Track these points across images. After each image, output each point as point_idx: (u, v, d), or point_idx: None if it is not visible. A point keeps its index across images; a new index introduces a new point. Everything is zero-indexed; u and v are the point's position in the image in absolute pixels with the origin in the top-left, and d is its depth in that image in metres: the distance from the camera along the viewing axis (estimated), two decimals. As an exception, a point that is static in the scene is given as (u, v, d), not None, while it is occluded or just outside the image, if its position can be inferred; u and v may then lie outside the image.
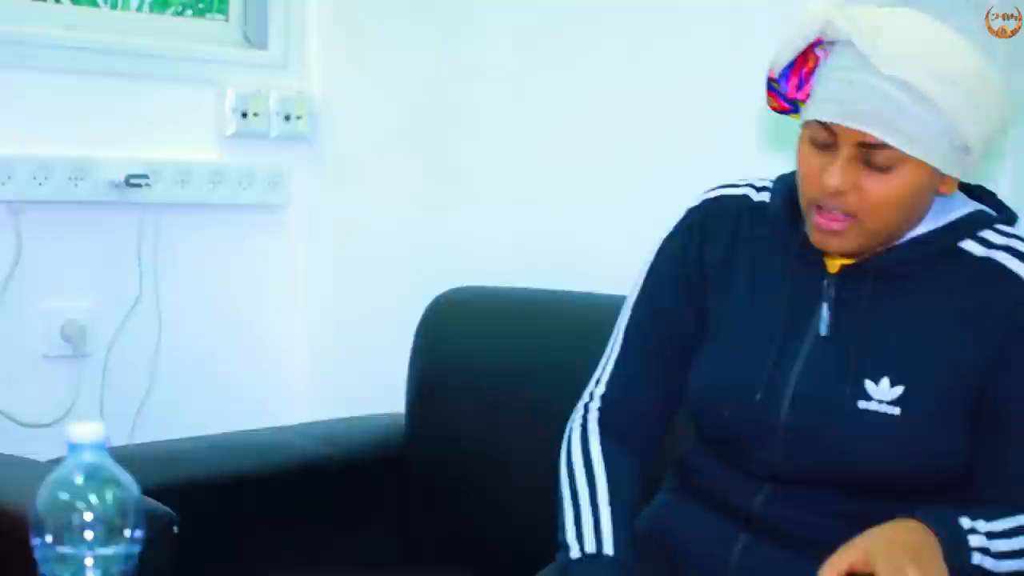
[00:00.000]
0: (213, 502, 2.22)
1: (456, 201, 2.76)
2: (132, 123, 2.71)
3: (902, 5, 1.41)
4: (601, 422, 1.67)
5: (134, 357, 2.71)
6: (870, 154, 1.43)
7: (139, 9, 2.82)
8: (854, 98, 1.41)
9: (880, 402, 1.47)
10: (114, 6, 2.78)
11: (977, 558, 1.39)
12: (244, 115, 2.81)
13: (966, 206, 1.54)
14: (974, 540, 1.39)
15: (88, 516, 1.21)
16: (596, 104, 2.54)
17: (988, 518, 1.42)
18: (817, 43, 1.47)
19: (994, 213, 1.55)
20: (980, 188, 1.60)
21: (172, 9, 2.87)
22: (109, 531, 1.22)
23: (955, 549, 1.38)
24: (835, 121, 1.43)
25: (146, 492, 1.33)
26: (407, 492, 2.46)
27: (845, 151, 1.43)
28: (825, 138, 1.45)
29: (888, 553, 1.34)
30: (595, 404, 1.68)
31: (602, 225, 2.50)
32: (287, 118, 2.87)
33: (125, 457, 1.48)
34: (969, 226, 1.51)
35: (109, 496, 1.23)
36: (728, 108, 2.33)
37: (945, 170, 1.45)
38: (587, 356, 1.81)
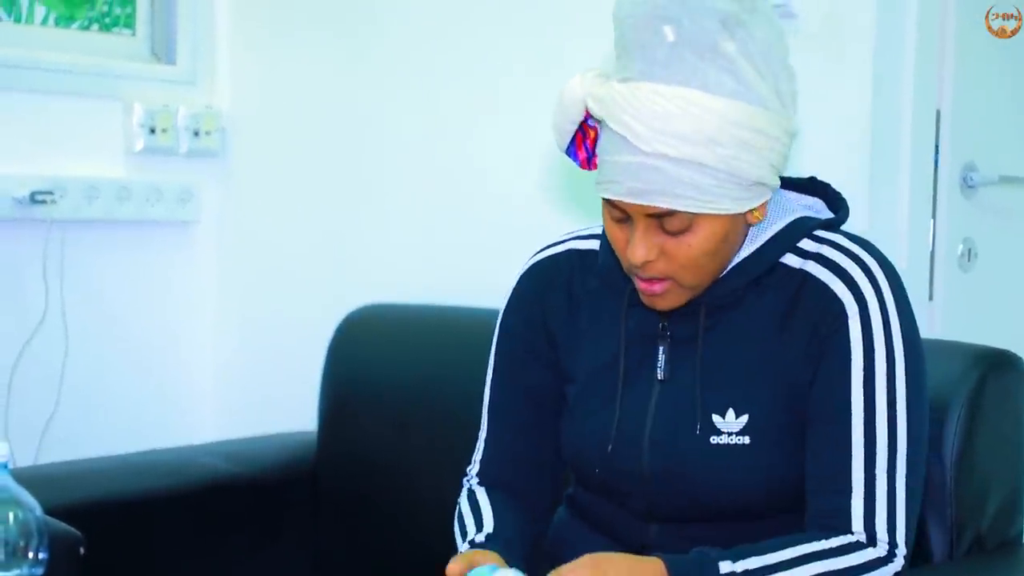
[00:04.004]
0: (122, 522, 2.20)
1: (367, 218, 2.76)
2: (37, 139, 2.68)
3: (643, 78, 1.40)
4: (483, 482, 1.68)
5: (39, 376, 2.67)
6: (663, 222, 1.44)
7: (44, 23, 2.79)
8: (626, 176, 1.42)
9: (730, 434, 1.50)
10: (18, 20, 2.75)
11: None
12: (152, 131, 2.79)
13: (787, 214, 1.54)
14: None
15: (-11, 538, 1.20)
16: (505, 121, 2.55)
17: (763, 551, 1.43)
18: (589, 116, 1.48)
19: (818, 216, 1.56)
20: (812, 181, 1.61)
21: (78, 23, 2.84)
22: (12, 553, 1.21)
23: None
24: (617, 199, 1.44)
25: (53, 513, 1.32)
26: (318, 510, 2.45)
27: (640, 224, 1.45)
28: (619, 214, 1.47)
29: None
30: (475, 479, 1.69)
31: (513, 242, 2.50)
32: (196, 134, 2.86)
33: (30, 478, 1.47)
34: (787, 239, 1.52)
35: (11, 518, 1.22)
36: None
37: (743, 209, 1.45)
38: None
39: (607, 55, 1.48)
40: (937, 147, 2.36)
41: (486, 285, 2.44)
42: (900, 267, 2.25)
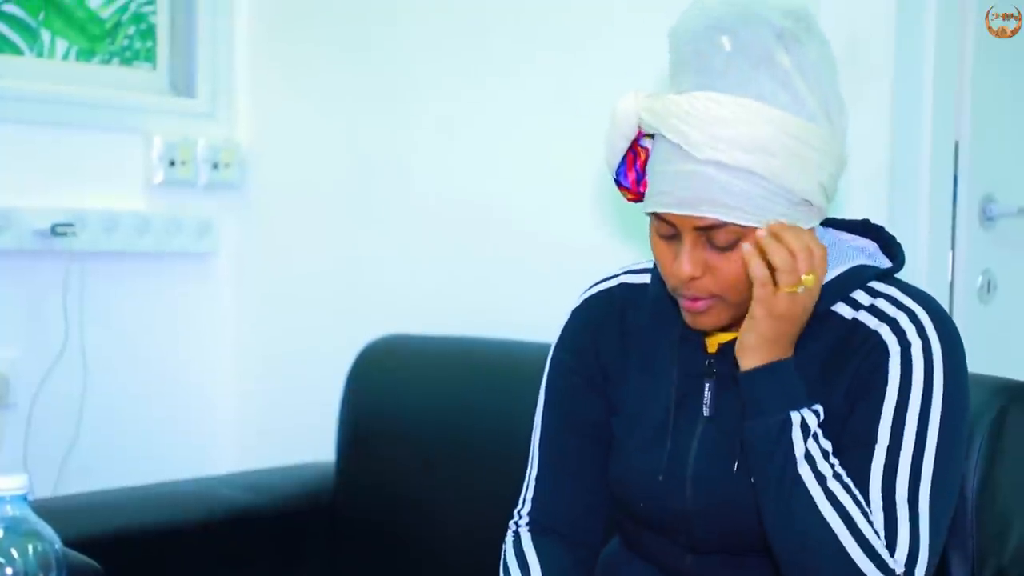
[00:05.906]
0: (140, 554, 2.20)
1: (385, 249, 2.76)
2: (58, 172, 2.69)
3: (699, 88, 1.43)
4: (532, 527, 1.67)
5: (59, 407, 2.67)
6: (711, 236, 1.45)
7: (65, 57, 2.81)
8: (678, 186, 1.43)
9: None
10: (40, 54, 2.77)
11: (799, 447, 1.42)
12: (172, 163, 2.81)
13: (844, 260, 1.54)
14: (808, 442, 1.42)
15: (9, 571, 1.20)
16: (524, 153, 2.56)
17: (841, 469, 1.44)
18: (641, 136, 1.50)
19: (876, 264, 1.55)
20: (866, 223, 1.61)
21: (99, 57, 2.86)
22: (31, 585, 1.21)
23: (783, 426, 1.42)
24: (666, 211, 1.45)
25: (71, 544, 1.31)
26: (336, 541, 2.45)
27: (687, 238, 1.46)
28: (667, 230, 1.48)
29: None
30: (524, 520, 1.68)
31: (533, 273, 2.51)
32: (215, 166, 2.87)
33: (49, 509, 1.47)
34: (843, 287, 1.52)
35: (30, 550, 1.22)
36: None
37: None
38: (517, 404, 1.82)
39: (658, 78, 1.49)
40: (956, 179, 2.36)
41: (505, 316, 2.45)
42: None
